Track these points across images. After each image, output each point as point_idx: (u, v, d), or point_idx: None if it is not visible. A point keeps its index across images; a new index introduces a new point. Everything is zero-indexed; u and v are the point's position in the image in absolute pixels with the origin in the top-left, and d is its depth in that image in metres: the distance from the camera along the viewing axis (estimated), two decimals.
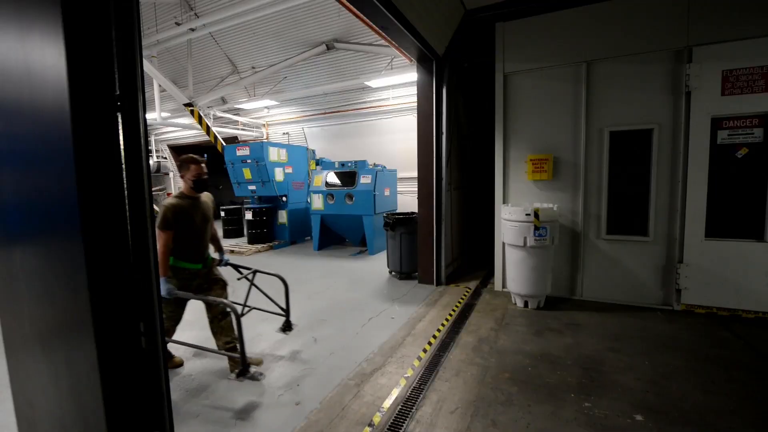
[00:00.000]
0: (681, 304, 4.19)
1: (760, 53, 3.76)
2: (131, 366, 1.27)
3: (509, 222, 4.30)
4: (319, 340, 3.72)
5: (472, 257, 6.81)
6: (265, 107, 11.92)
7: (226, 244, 9.01)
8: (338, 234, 8.53)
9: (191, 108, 9.67)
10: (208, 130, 9.99)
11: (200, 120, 9.87)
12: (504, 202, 4.89)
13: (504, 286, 4.95)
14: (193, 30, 8.38)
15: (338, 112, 10.63)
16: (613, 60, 4.32)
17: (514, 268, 4.39)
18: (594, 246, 4.53)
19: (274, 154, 8.39)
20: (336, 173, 8.07)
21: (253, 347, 3.60)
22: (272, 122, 12.13)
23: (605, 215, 4.43)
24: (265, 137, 12.23)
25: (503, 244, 4.71)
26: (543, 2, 4.51)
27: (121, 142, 1.22)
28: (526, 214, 4.12)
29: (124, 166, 1.22)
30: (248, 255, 7.89)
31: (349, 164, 8.00)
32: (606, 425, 2.35)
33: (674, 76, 4.09)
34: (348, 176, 7.85)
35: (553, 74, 4.60)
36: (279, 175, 8.50)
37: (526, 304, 4.38)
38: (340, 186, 7.82)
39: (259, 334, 3.92)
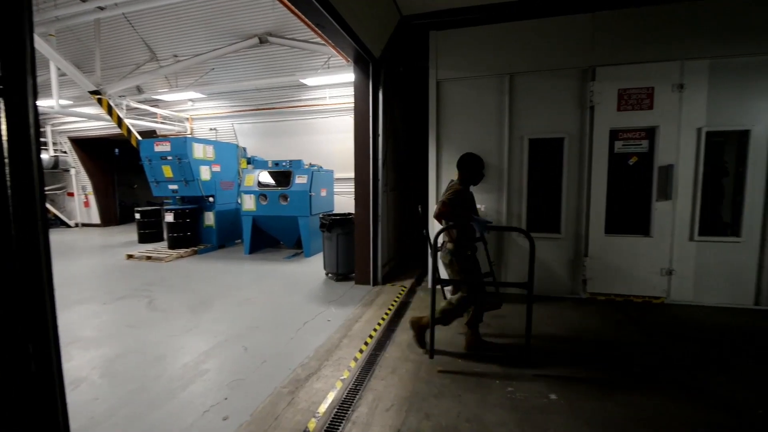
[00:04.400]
0: (586, 293, 4.75)
1: (647, 76, 4.42)
2: (14, 396, 1.08)
3: None
4: (250, 348, 3.52)
5: (407, 256, 7.00)
6: (189, 100, 11.01)
7: (142, 249, 8.15)
8: (272, 236, 8.19)
9: (99, 96, 8.57)
10: (119, 121, 8.94)
11: (110, 110, 8.79)
12: (437, 203, 5.10)
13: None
14: (102, 9, 7.43)
15: (272, 109, 10.21)
16: (532, 74, 4.75)
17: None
18: (515, 243, 4.94)
19: (199, 151, 7.79)
20: (269, 173, 7.74)
21: (174, 361, 3.29)
22: (197, 116, 11.25)
23: (525, 215, 4.85)
24: (189, 132, 11.29)
25: None
26: (472, 15, 4.81)
27: (4, 133, 1.03)
28: None
29: (7, 160, 1.03)
30: (168, 261, 7.20)
31: (284, 164, 7.73)
32: (526, 406, 2.57)
33: (581, 91, 4.63)
34: (282, 176, 7.58)
35: (482, 84, 4.92)
36: (205, 173, 7.91)
37: None
38: (273, 186, 7.52)
39: (182, 346, 3.60)
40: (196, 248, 7.91)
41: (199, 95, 10.47)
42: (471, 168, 3.37)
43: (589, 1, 4.44)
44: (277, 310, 4.50)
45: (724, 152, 4.54)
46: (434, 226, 4.82)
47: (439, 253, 3.35)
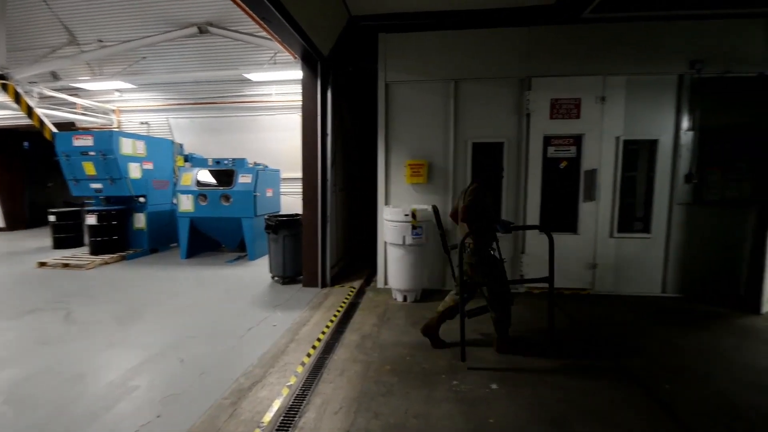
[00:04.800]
0: (525, 287, 5.08)
1: (575, 88, 4.84)
2: None
3: (390, 222, 4.55)
4: (188, 360, 3.27)
5: (356, 257, 6.97)
6: (116, 90, 10.01)
7: (58, 255, 7.25)
8: (212, 239, 7.71)
9: (3, 81, 7.47)
10: (29, 111, 7.87)
11: (17, 98, 7.71)
12: (386, 204, 5.15)
13: (386, 283, 5.21)
14: None
15: (213, 103, 9.62)
16: (475, 81, 4.98)
17: (394, 265, 4.65)
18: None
19: (128, 147, 7.10)
20: (210, 171, 7.28)
21: (96, 380, 2.96)
22: (126, 108, 10.26)
23: None
24: (115, 126, 10.27)
25: (385, 243, 4.95)
26: (420, 21, 4.93)
27: None
28: (405, 215, 4.42)
29: None
30: (90, 268, 6.48)
31: (226, 162, 7.32)
32: (470, 398, 2.68)
33: (519, 99, 4.94)
34: (224, 175, 7.17)
35: (429, 88, 5.06)
36: (135, 171, 7.23)
37: (405, 299, 4.69)
38: (214, 186, 7.09)
39: (106, 363, 3.25)
40: (124, 254, 7.19)
41: (127, 85, 9.56)
42: (486, 171, 3.52)
43: (525, 16, 4.76)
44: (218, 318, 4.24)
45: (638, 159, 5.12)
46: (382, 226, 4.86)
47: (464, 254, 3.32)
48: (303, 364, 3.17)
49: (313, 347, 3.47)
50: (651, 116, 4.83)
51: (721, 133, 4.74)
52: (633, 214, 5.11)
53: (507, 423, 2.42)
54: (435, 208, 3.99)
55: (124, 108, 10.27)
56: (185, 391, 2.79)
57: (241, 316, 4.27)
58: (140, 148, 7.41)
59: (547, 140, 4.94)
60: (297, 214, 5.86)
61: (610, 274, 5.01)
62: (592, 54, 4.80)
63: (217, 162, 7.36)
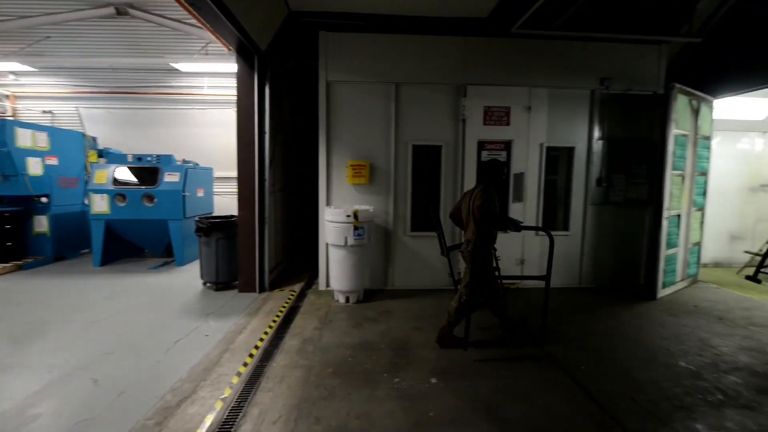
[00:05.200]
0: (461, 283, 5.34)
1: (505, 97, 5.19)
2: None
3: (332, 223, 4.49)
4: (103, 380, 2.91)
5: (297, 259, 6.78)
6: (11, 72, 8.63)
7: None
8: (133, 244, 6.97)
9: None
10: None
11: None
12: (328, 204, 5.07)
13: (328, 284, 5.13)
14: None
15: (135, 93, 8.73)
16: (415, 85, 5.12)
17: (336, 267, 4.60)
18: (402, 242, 5.25)
19: (25, 138, 6.15)
20: (130, 168, 6.58)
21: None
22: (24, 95, 8.89)
23: (410, 215, 5.20)
24: (9, 114, 8.84)
25: (327, 244, 4.87)
26: (361, 22, 4.93)
27: None
28: (347, 216, 4.39)
29: None
30: None
31: (150, 158, 6.67)
32: (411, 394, 2.73)
33: (455, 105, 5.18)
34: (147, 173, 6.53)
35: (371, 89, 5.09)
36: (35, 167, 6.28)
37: (347, 300, 4.67)
38: (135, 185, 6.42)
39: None
40: (20, 262, 6.20)
41: (26, 68, 8.28)
42: (493, 174, 3.65)
43: (462, 26, 5.00)
44: (140, 331, 3.84)
45: (559, 164, 5.65)
46: (324, 227, 4.78)
47: (463, 248, 3.51)
48: (239, 374, 2.99)
49: (251, 355, 3.30)
50: (569, 126, 5.36)
51: (625, 143, 5.42)
52: (555, 214, 5.63)
53: (445, 415, 2.51)
54: (434, 210, 4.08)
55: (21, 94, 8.89)
56: (100, 415, 2.48)
57: (167, 328, 3.91)
58: (42, 140, 6.46)
59: (481, 145, 5.25)
60: (232, 216, 5.53)
61: (536, 268, 5.45)
62: (520, 67, 5.20)
63: (139, 158, 6.67)
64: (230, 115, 8.29)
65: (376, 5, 4.75)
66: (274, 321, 4.08)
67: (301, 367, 3.11)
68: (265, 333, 3.76)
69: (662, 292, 5.08)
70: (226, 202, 8.56)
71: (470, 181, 5.22)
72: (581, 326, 4.09)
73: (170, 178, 6.44)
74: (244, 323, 4.01)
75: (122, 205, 6.25)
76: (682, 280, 5.54)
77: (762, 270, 5.95)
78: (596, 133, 5.38)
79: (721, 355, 3.45)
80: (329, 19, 4.90)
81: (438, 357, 3.32)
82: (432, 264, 5.30)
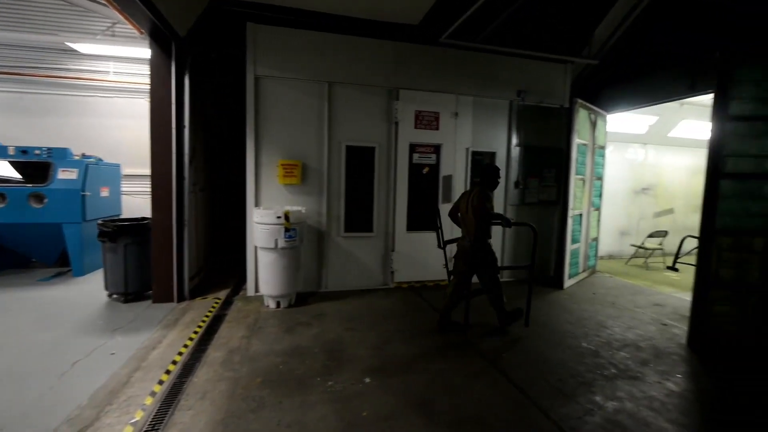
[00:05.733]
0: (394, 283, 5.45)
1: (435, 103, 5.42)
2: None
3: (261, 225, 4.27)
4: None
5: (223, 264, 6.33)
6: None
7: None
8: (16, 252, 5.90)
9: None
10: None
11: None
12: (256, 205, 4.82)
13: (257, 290, 4.87)
14: None
15: (18, 75, 7.38)
16: (349, 86, 5.10)
17: (266, 271, 4.39)
18: (335, 243, 5.19)
19: None
20: (12, 163, 5.56)
21: None
22: None
23: (343, 216, 5.17)
24: None
25: (255, 247, 4.62)
26: (289, 16, 4.77)
27: None
28: (278, 217, 4.21)
29: None
30: None
31: (39, 152, 5.70)
32: (344, 395, 2.71)
33: (388, 108, 5.27)
34: (35, 168, 5.57)
35: (304, 87, 4.95)
36: None
37: (278, 305, 4.47)
38: (19, 182, 5.44)
39: None
40: None
41: None
42: (488, 177, 3.89)
43: (394, 31, 5.11)
44: (26, 355, 3.26)
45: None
46: (252, 229, 4.53)
47: (464, 244, 3.87)
48: (153, 393, 2.69)
49: (167, 372, 2.99)
50: (491, 132, 5.79)
51: (538, 150, 6.00)
52: None
53: (379, 412, 2.53)
54: (436, 210, 4.60)
55: None
56: None
57: (62, 349, 3.37)
58: None
59: (413, 147, 5.41)
60: (144, 218, 4.98)
61: None
62: (448, 74, 5.47)
63: (24, 151, 5.67)
64: (142, 105, 7.44)
65: (308, 1, 4.64)
66: (196, 332, 3.75)
67: (227, 379, 2.90)
68: (185, 346, 3.44)
69: (568, 282, 5.72)
70: (137, 203, 7.66)
71: (402, 182, 5.35)
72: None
73: (66, 174, 5.57)
74: (159, 337, 3.62)
75: (1, 206, 5.25)
76: (584, 271, 6.31)
77: (678, 260, 6.57)
78: (514, 140, 5.88)
79: (614, 334, 3.99)
80: (256, 9, 4.66)
81: (372, 356, 3.34)
82: (366, 264, 5.33)
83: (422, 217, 5.56)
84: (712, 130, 3.63)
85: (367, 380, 2.93)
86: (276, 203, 4.88)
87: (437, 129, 5.48)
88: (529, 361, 3.35)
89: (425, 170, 5.53)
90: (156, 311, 4.31)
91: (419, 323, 4.14)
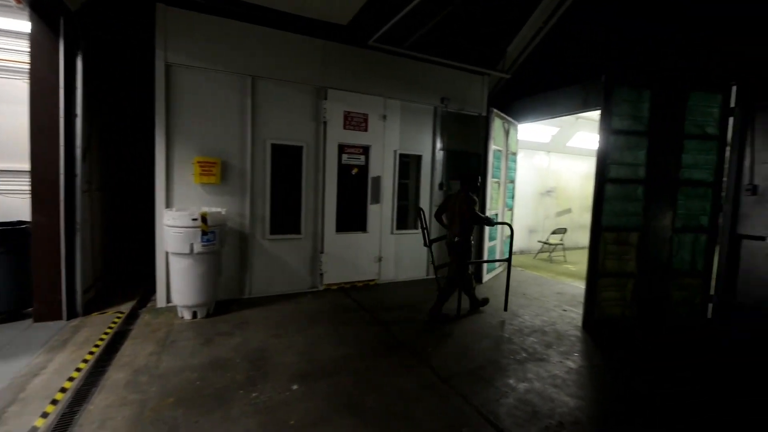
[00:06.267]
0: (323, 285, 5.36)
1: (363, 104, 5.45)
2: None
3: (174, 228, 3.87)
4: None
5: (127, 273, 5.61)
6: None
7: None
8: None
9: None
10: None
11: None
12: (168, 207, 4.36)
13: (169, 300, 4.40)
14: None
15: None
16: (275, 81, 4.88)
17: (180, 279, 3.99)
18: (260, 246, 4.93)
19: None
20: None
21: None
22: None
23: (269, 217, 4.93)
24: None
25: (167, 253, 4.18)
26: (208, 2, 4.41)
27: None
28: (193, 219, 3.86)
29: None
30: None
31: None
32: (270, 405, 2.58)
33: (316, 107, 5.17)
34: None
35: (223, 79, 4.61)
36: None
37: (194, 315, 4.10)
38: None
39: None
40: None
41: None
42: (471, 181, 4.42)
43: (323, 29, 5.02)
44: None
45: (409, 169, 6.26)
46: (163, 233, 4.08)
47: (451, 241, 4.43)
48: (35, 429, 2.27)
49: (54, 402, 2.55)
50: (418, 136, 6.02)
51: (459, 154, 6.40)
52: (407, 214, 6.23)
53: (308, 419, 2.46)
54: (421, 210, 4.98)
55: None
56: None
57: None
58: None
59: (342, 148, 5.39)
60: (21, 222, 4.19)
61: (392, 264, 5.93)
62: (377, 78, 5.56)
63: None
64: (19, 87, 6.26)
65: None
66: (92, 353, 3.26)
67: (132, 403, 2.57)
68: (78, 370, 2.97)
69: (486, 277, 6.20)
70: (14, 204, 6.41)
71: (331, 183, 5.29)
72: (427, 312, 4.61)
73: None
74: (43, 362, 3.08)
75: None
76: (500, 266, 6.89)
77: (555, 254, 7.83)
78: (438, 144, 6.19)
79: (524, 322, 4.42)
80: None
81: (299, 361, 3.23)
82: (293, 268, 5.16)
83: (352, 218, 5.57)
84: (599, 142, 4.23)
85: (295, 387, 2.83)
86: (192, 204, 4.47)
87: (366, 130, 5.53)
88: (454, 353, 3.54)
89: (354, 171, 5.55)
90: (39, 332, 3.65)
91: (349, 324, 4.13)
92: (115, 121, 5.59)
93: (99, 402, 2.57)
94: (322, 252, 5.30)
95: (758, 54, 3.95)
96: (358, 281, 5.63)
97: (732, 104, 4.22)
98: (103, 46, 4.77)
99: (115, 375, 2.93)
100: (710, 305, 4.39)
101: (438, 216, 4.70)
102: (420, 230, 4.95)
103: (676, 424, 2.59)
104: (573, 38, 5.91)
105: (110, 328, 3.78)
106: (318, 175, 5.24)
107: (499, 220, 6.63)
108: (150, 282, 4.67)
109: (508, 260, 4.97)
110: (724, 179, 4.32)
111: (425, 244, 4.87)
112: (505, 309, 4.76)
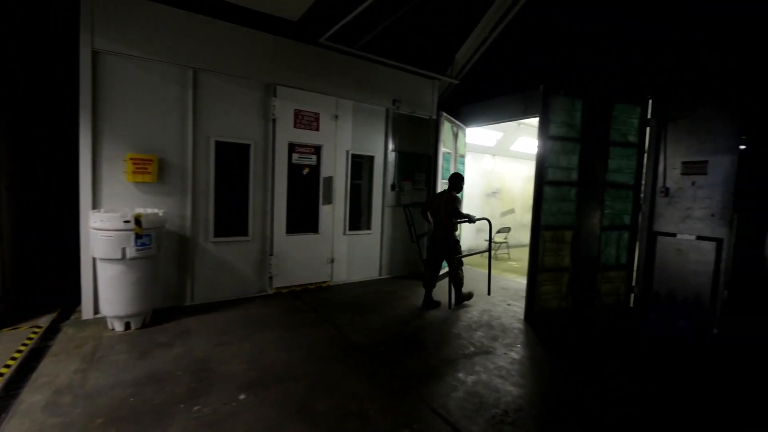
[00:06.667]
0: (273, 288, 5.18)
1: (315, 103, 5.35)
2: None
3: (102, 232, 3.52)
4: None
5: (45, 283, 4.98)
6: None
7: None
8: None
9: None
10: None
11: None
12: (95, 208, 3.95)
13: (97, 311, 3.99)
14: None
15: None
16: (220, 75, 4.62)
17: (110, 287, 3.63)
18: (203, 249, 4.64)
19: None
20: None
21: None
22: None
23: (213, 219, 4.66)
24: None
25: (94, 259, 3.78)
26: None
27: None
28: (125, 221, 3.54)
29: None
30: None
31: None
32: (214, 419, 2.43)
33: (265, 104, 4.98)
34: None
35: (161, 70, 4.28)
36: None
37: (128, 326, 3.75)
38: None
39: None
40: None
41: None
42: (457, 183, 4.93)
43: (272, 24, 4.85)
44: None
45: (362, 170, 6.26)
46: (89, 237, 3.68)
47: (435, 235, 4.94)
48: None
49: None
50: (370, 137, 6.04)
51: (411, 155, 6.53)
52: (360, 215, 6.22)
53: (257, 428, 2.35)
54: (408, 209, 5.67)
55: None
56: None
57: None
58: None
59: (292, 147, 5.24)
60: None
61: (344, 266, 5.88)
62: (329, 77, 5.48)
63: None
64: None
65: None
66: (1, 374, 2.86)
67: (51, 428, 2.29)
68: None
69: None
70: None
71: (281, 183, 5.13)
72: (380, 312, 4.64)
73: None
74: None
75: None
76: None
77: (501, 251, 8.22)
78: (390, 146, 6.26)
79: (473, 317, 4.60)
80: None
81: (248, 369, 3.09)
82: (240, 271, 4.92)
83: (303, 219, 5.45)
84: (538, 147, 4.54)
85: (242, 397, 2.70)
86: (124, 205, 4.10)
87: (318, 130, 5.43)
88: (408, 351, 3.60)
89: (306, 171, 5.43)
90: None
91: (301, 327, 4.03)
92: (28, 111, 4.95)
93: (10, 430, 2.26)
94: (271, 254, 5.11)
95: (669, 73, 4.48)
96: (310, 284, 5.51)
97: (649, 116, 4.74)
98: (18, 30, 4.21)
99: (31, 398, 2.59)
100: (632, 295, 4.89)
101: (423, 212, 5.10)
102: (407, 227, 5.65)
103: (600, 399, 2.85)
104: (515, 49, 6.29)
105: (24, 345, 3.34)
106: (267, 175, 5.05)
107: None
108: (74, 292, 4.20)
109: (489, 250, 5.68)
110: (643, 182, 4.84)
111: (412, 240, 5.53)
112: (489, 293, 5.53)
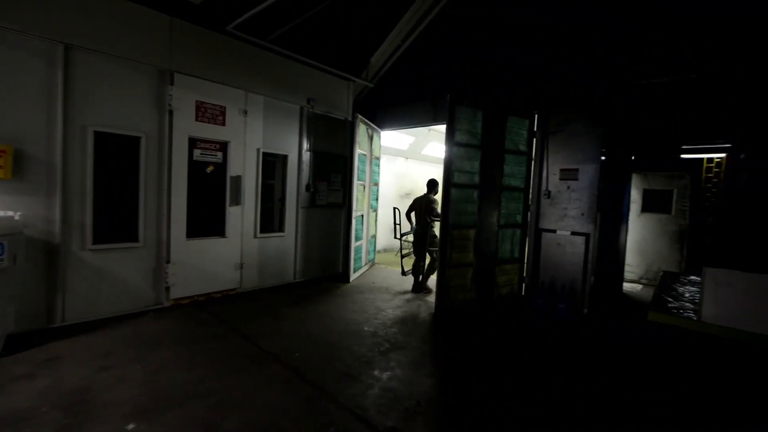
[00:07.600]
0: (170, 300, 4.62)
1: (221, 96, 4.93)
2: None
3: None
4: None
5: None
6: None
7: None
8: None
9: None
10: None
11: None
12: None
13: None
14: None
15: None
16: (101, 55, 3.96)
17: None
18: (78, 259, 3.93)
19: None
20: None
21: None
22: None
23: (91, 223, 3.97)
24: None
25: None
26: None
27: None
28: None
29: None
30: None
31: None
32: None
33: (161, 92, 4.42)
34: None
35: (21, 43, 3.50)
36: None
37: None
38: None
39: None
40: None
41: None
42: (434, 186, 5.85)
43: (170, 3, 4.33)
44: None
45: (275, 169, 5.98)
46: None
47: (417, 231, 5.96)
48: None
49: None
50: (284, 135, 5.80)
51: (326, 156, 6.45)
52: (272, 217, 5.93)
53: None
54: (396, 209, 6.67)
55: None
56: None
57: None
58: None
59: (193, 142, 4.76)
60: None
61: (255, 271, 5.54)
62: (237, 68, 5.11)
63: None
64: None
65: None
66: None
67: None
68: None
69: (353, 276, 6.41)
70: None
71: (180, 181, 4.61)
72: (295, 316, 4.49)
73: None
74: None
75: None
76: (366, 264, 7.23)
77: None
78: (305, 145, 6.10)
79: (388, 315, 4.74)
80: None
81: (139, 394, 2.70)
82: (128, 282, 4.29)
83: (207, 222, 4.98)
84: (445, 152, 4.88)
85: (131, 427, 2.34)
86: None
87: (224, 125, 5.03)
88: (321, 354, 3.53)
89: (209, 169, 4.97)
90: None
91: (203, 341, 3.67)
92: None
93: None
94: (168, 262, 4.56)
95: (547, 94, 5.25)
96: (216, 292, 5.07)
97: (535, 128, 5.45)
98: None
99: None
100: (523, 285, 5.57)
101: (408, 214, 6.19)
102: (396, 226, 6.67)
103: (501, 375, 3.17)
104: (427, 58, 6.67)
105: None
106: (163, 172, 4.50)
107: (364, 221, 6.96)
108: None
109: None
110: (531, 186, 5.55)
111: (395, 237, 6.69)
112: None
